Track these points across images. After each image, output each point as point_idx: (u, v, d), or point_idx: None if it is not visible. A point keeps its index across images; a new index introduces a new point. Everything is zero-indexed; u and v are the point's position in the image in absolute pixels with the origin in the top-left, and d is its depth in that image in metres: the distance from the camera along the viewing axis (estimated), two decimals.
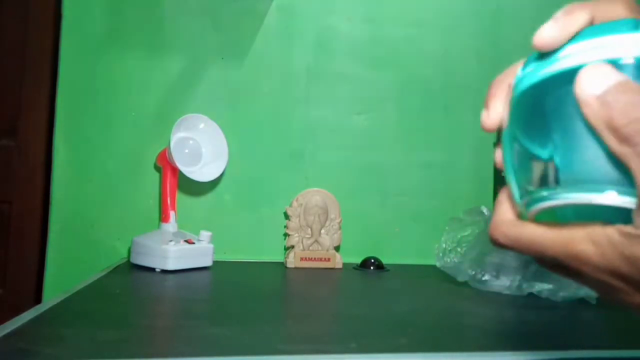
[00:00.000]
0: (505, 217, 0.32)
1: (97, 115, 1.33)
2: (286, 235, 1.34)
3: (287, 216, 1.35)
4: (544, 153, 0.29)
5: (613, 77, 0.25)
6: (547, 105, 0.29)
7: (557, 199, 0.28)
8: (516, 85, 0.32)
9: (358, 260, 1.34)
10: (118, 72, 1.35)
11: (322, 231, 1.33)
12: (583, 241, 0.28)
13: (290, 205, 1.34)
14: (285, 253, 1.35)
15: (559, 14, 0.30)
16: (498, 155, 0.35)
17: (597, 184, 0.26)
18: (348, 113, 1.47)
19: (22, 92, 1.38)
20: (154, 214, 1.34)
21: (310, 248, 1.31)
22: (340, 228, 1.34)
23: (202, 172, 1.28)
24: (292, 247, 1.32)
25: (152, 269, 1.13)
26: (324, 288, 1.13)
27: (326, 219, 1.33)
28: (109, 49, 1.34)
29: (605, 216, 0.27)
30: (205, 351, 0.59)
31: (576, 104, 0.26)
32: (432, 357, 0.60)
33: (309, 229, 1.32)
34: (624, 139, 0.24)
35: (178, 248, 1.13)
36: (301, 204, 1.33)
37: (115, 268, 1.16)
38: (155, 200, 1.34)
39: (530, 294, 0.98)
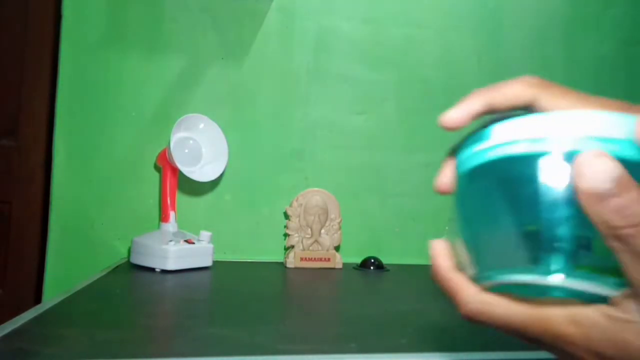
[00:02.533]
0: (470, 291, 0.32)
1: (97, 115, 1.33)
2: (286, 235, 1.34)
3: (287, 216, 1.35)
4: (489, 229, 0.30)
5: (611, 171, 0.25)
6: (495, 184, 0.30)
7: (506, 278, 0.28)
8: (457, 168, 0.34)
9: (358, 260, 1.34)
10: (118, 72, 1.34)
11: (322, 231, 1.33)
12: (564, 322, 0.27)
13: (290, 205, 1.34)
14: (285, 253, 1.35)
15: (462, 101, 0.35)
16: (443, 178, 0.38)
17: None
18: (348, 113, 1.47)
19: (22, 92, 1.38)
20: (154, 214, 1.34)
21: (310, 248, 1.31)
22: (340, 228, 1.34)
23: (202, 172, 1.28)
24: (292, 247, 1.32)
25: (152, 269, 1.13)
26: (324, 288, 1.13)
27: (326, 219, 1.33)
28: (109, 49, 1.34)
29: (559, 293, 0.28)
30: (205, 351, 0.59)
31: (528, 183, 0.27)
32: (432, 357, 0.60)
33: (309, 229, 1.32)
34: (618, 238, 0.24)
35: (178, 248, 1.13)
36: (301, 204, 1.33)
37: (115, 268, 1.16)
38: (155, 200, 1.34)
39: None
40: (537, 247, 0.27)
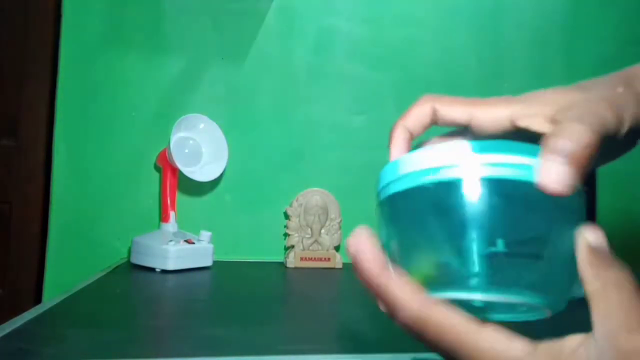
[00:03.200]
0: (413, 295, 0.29)
1: (97, 115, 1.33)
2: (286, 235, 1.34)
3: (287, 216, 1.34)
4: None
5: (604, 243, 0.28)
6: (411, 210, 0.32)
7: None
8: (381, 191, 0.35)
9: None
10: (118, 72, 1.34)
11: (322, 231, 1.33)
12: None
13: (290, 205, 1.34)
14: (285, 253, 1.35)
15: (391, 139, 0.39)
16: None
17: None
18: (348, 113, 1.46)
19: (22, 92, 1.38)
20: (154, 214, 1.33)
21: (311, 248, 1.31)
22: (340, 228, 1.34)
23: (202, 172, 1.28)
24: (292, 247, 1.32)
25: (152, 269, 1.12)
26: (324, 288, 1.13)
27: (326, 219, 1.33)
28: (109, 49, 1.34)
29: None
30: (206, 351, 0.59)
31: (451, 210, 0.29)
32: (432, 358, 0.60)
33: (309, 229, 1.32)
34: (592, 293, 0.27)
35: (178, 248, 1.13)
36: (301, 204, 1.33)
37: (115, 268, 1.16)
38: (155, 200, 1.34)
39: None
40: (454, 268, 0.29)
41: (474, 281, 0.28)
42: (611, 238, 0.29)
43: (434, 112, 0.38)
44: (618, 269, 0.27)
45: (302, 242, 1.31)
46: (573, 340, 0.27)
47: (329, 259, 1.30)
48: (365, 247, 0.30)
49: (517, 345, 0.27)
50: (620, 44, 1.63)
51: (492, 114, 0.36)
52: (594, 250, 0.28)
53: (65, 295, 0.84)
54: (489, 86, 1.52)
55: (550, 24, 1.58)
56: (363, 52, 1.48)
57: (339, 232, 1.33)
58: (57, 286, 1.28)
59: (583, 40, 1.61)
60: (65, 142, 1.32)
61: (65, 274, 1.29)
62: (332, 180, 1.41)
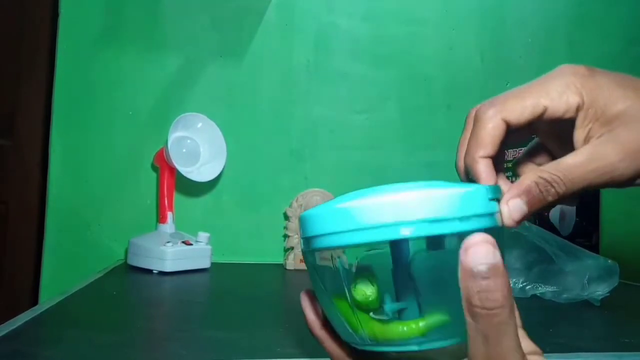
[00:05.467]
0: (339, 356, 0.38)
1: (94, 114, 1.32)
2: (286, 236, 1.33)
3: (286, 217, 1.34)
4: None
5: (490, 258, 0.27)
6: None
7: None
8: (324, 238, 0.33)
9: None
10: (115, 71, 1.33)
11: None
12: None
13: (290, 206, 1.33)
14: (284, 255, 1.34)
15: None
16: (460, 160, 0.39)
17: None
18: (349, 112, 1.46)
19: (19, 91, 1.37)
20: (151, 214, 1.33)
21: None
22: None
23: (200, 172, 1.27)
24: (292, 248, 1.31)
25: (150, 271, 1.12)
26: None
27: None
28: (106, 48, 1.33)
29: None
30: (203, 354, 0.59)
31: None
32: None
33: None
34: (472, 314, 0.28)
35: (175, 249, 1.12)
36: (301, 205, 1.32)
37: (112, 269, 1.15)
38: (152, 201, 1.33)
39: (534, 296, 0.97)
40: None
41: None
42: (615, 237, 0.29)
43: (506, 124, 0.37)
44: (491, 303, 0.27)
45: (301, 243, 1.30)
46: None
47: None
48: (307, 310, 0.39)
49: None
50: (624, 43, 1.63)
51: (565, 102, 0.35)
52: (466, 273, 0.28)
53: (61, 297, 0.84)
54: (491, 85, 1.52)
55: (554, 22, 1.58)
56: (364, 50, 1.47)
57: None
58: (53, 287, 1.27)
59: (587, 39, 1.61)
60: (62, 141, 1.31)
61: (61, 275, 1.28)
62: (333, 181, 1.40)
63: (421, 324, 0.30)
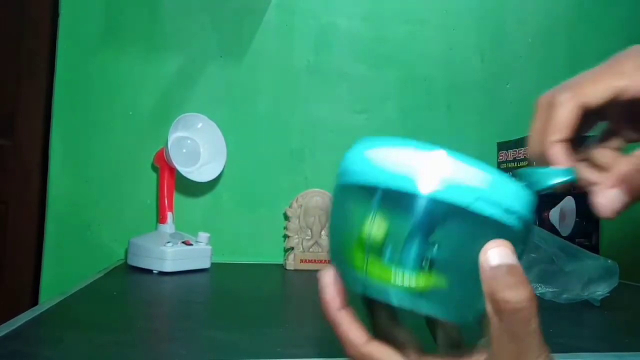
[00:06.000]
0: (356, 340, 0.35)
1: (94, 114, 1.32)
2: (286, 236, 1.33)
3: (286, 217, 1.33)
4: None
5: (509, 257, 0.28)
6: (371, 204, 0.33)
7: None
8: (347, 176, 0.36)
9: None
10: (115, 71, 1.33)
11: (323, 233, 1.31)
12: None
13: (290, 206, 1.33)
14: (284, 255, 1.34)
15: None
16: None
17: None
18: (349, 112, 1.46)
19: (19, 91, 1.37)
20: (151, 214, 1.32)
21: (311, 250, 1.30)
22: None
23: (200, 172, 1.27)
24: (292, 248, 1.30)
25: (150, 271, 1.11)
26: None
27: (326, 220, 1.32)
28: (107, 48, 1.33)
29: None
30: (204, 354, 0.59)
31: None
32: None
33: (309, 231, 1.31)
34: (496, 312, 0.28)
35: (175, 249, 1.12)
36: (301, 205, 1.32)
37: (112, 269, 1.15)
38: (152, 201, 1.33)
39: None
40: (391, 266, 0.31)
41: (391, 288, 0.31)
42: (615, 237, 0.30)
43: (582, 107, 0.36)
44: (517, 297, 0.28)
45: (302, 243, 1.30)
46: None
47: (329, 261, 1.29)
48: (329, 287, 0.35)
49: None
50: (624, 42, 1.62)
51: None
52: (492, 271, 0.28)
53: (61, 297, 0.83)
54: (492, 85, 1.52)
55: (554, 23, 1.58)
56: (364, 50, 1.47)
57: None
58: (53, 287, 1.27)
59: (587, 38, 1.60)
60: (62, 141, 1.31)
61: (62, 275, 1.28)
62: (333, 181, 1.39)
63: (419, 279, 0.30)
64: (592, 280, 0.89)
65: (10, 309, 1.28)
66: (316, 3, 1.45)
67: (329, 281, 0.35)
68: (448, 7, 1.52)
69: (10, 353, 0.55)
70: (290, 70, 1.43)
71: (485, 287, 0.28)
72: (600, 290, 0.88)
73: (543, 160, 0.37)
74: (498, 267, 0.28)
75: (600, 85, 0.36)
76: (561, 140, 0.36)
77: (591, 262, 0.90)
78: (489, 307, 0.28)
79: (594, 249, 1.20)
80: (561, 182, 0.35)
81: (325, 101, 1.44)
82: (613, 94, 0.35)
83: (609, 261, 0.89)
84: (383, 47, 1.48)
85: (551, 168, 0.35)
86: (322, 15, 1.45)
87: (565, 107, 0.36)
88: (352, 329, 0.34)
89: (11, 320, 0.67)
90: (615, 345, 0.70)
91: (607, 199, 0.33)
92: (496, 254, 0.28)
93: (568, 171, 0.35)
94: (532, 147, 0.39)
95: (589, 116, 0.37)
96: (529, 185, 0.34)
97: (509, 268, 0.28)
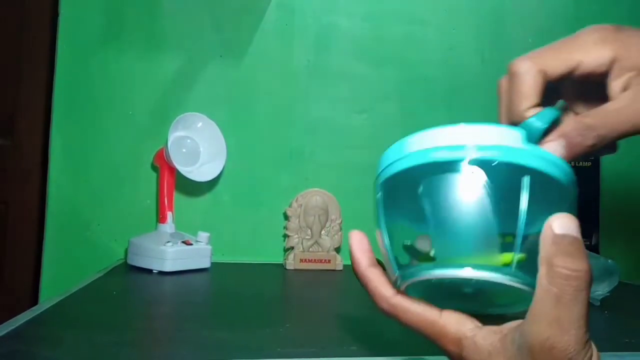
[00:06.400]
0: (385, 292, 0.36)
1: (94, 114, 1.32)
2: (286, 236, 1.33)
3: (286, 217, 1.33)
4: (414, 232, 0.35)
5: (574, 230, 0.29)
6: (420, 188, 0.33)
7: (422, 274, 0.33)
8: (385, 169, 0.36)
9: None
10: (115, 71, 1.33)
11: (323, 232, 1.31)
12: (451, 341, 0.34)
13: (290, 206, 1.33)
14: (284, 254, 1.34)
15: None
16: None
17: (458, 260, 0.31)
18: (349, 112, 1.45)
19: (19, 91, 1.37)
20: (151, 214, 1.32)
21: (311, 249, 1.30)
22: (341, 229, 1.33)
23: (200, 171, 1.27)
24: (292, 248, 1.30)
25: (150, 271, 1.11)
26: (324, 290, 1.12)
27: (326, 220, 1.32)
28: (106, 47, 1.33)
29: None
30: (204, 354, 0.59)
31: (449, 191, 0.32)
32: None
33: (309, 230, 1.31)
34: (549, 275, 0.29)
35: (175, 249, 1.12)
36: (301, 205, 1.32)
37: (112, 269, 1.15)
38: (152, 201, 1.33)
39: None
40: (449, 244, 0.32)
41: (462, 259, 0.31)
42: (615, 237, 0.30)
43: (544, 76, 0.37)
44: (574, 265, 0.29)
45: (301, 243, 1.30)
46: (508, 326, 0.32)
47: (329, 261, 1.29)
48: (360, 243, 0.38)
49: (468, 324, 0.33)
50: None
51: (596, 59, 0.36)
52: (556, 238, 0.29)
53: (61, 297, 0.83)
54: (492, 85, 1.51)
55: (554, 23, 1.58)
56: (364, 50, 1.47)
57: (339, 233, 1.32)
58: (53, 287, 1.27)
59: None
60: (62, 141, 1.30)
61: (61, 275, 1.28)
62: (333, 181, 1.40)
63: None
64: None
65: (9, 308, 1.28)
66: (316, 3, 1.45)
67: (358, 240, 0.38)
68: (448, 7, 1.52)
69: (9, 353, 0.55)
70: (290, 70, 1.43)
71: (543, 251, 0.29)
72: (600, 290, 0.88)
73: None
74: (563, 235, 0.29)
75: (560, 56, 0.37)
76: (533, 107, 0.37)
77: (591, 262, 0.89)
78: (542, 271, 0.29)
79: (594, 249, 1.20)
80: (557, 117, 0.36)
81: (325, 101, 1.44)
82: (571, 66, 0.37)
83: (609, 261, 0.89)
84: (383, 47, 1.48)
85: (539, 113, 0.36)
86: (322, 15, 1.45)
87: (529, 74, 0.37)
88: (382, 284, 0.36)
89: (11, 320, 0.67)
90: (615, 345, 0.70)
91: (548, 149, 0.34)
92: (563, 224, 0.29)
93: (553, 109, 0.36)
94: (502, 123, 0.40)
95: (547, 91, 0.38)
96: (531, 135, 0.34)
97: (573, 239, 0.29)
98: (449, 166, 0.31)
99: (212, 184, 1.35)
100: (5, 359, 0.53)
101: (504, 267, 0.31)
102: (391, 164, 0.35)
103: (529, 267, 0.30)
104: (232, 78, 1.39)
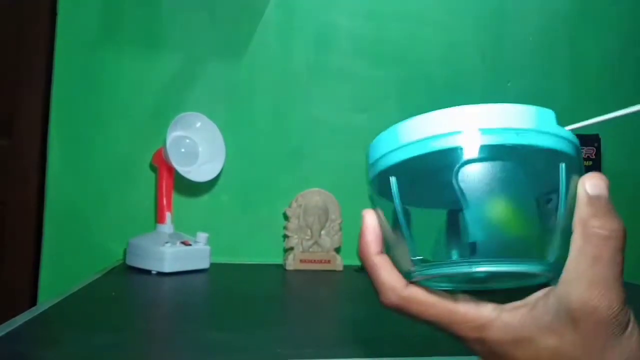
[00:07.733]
0: (393, 284, 0.34)
1: (93, 114, 1.32)
2: (285, 236, 1.33)
3: (286, 217, 1.33)
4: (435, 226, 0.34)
5: (605, 189, 0.29)
6: (435, 178, 0.32)
7: (464, 269, 0.31)
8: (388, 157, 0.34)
9: (359, 262, 1.32)
10: (114, 70, 1.33)
11: (322, 232, 1.31)
12: (467, 328, 0.32)
13: (290, 206, 1.33)
14: (284, 255, 1.34)
15: None
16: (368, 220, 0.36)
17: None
18: (349, 111, 1.45)
19: (17, 90, 1.36)
20: (150, 215, 1.32)
21: (310, 250, 1.30)
22: (340, 229, 1.32)
23: (198, 172, 1.27)
24: (292, 248, 1.30)
25: (148, 271, 1.11)
26: (324, 291, 1.12)
27: (326, 220, 1.32)
28: (105, 47, 1.33)
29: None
30: (203, 355, 0.59)
31: (462, 179, 0.30)
32: None
33: (309, 230, 1.31)
34: (586, 235, 0.28)
35: (174, 250, 1.12)
36: (301, 205, 1.31)
37: (110, 270, 1.15)
38: (151, 201, 1.32)
39: None
40: (459, 238, 0.31)
41: (474, 254, 0.30)
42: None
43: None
44: (612, 226, 0.28)
45: (301, 243, 1.30)
46: (535, 296, 0.31)
47: (329, 261, 1.29)
48: (373, 225, 0.35)
49: (488, 306, 0.32)
50: (625, 41, 1.63)
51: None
52: (591, 199, 0.29)
53: (60, 298, 0.83)
54: (492, 84, 1.51)
55: (555, 21, 1.58)
56: (364, 49, 1.47)
57: (339, 233, 1.32)
58: (52, 288, 1.26)
59: (588, 37, 1.60)
60: (60, 141, 1.30)
61: (60, 275, 1.28)
62: (333, 181, 1.39)
63: None
64: None
65: (8, 309, 1.27)
66: (316, 2, 1.44)
67: (371, 221, 0.35)
68: (449, 7, 1.52)
69: (8, 353, 0.55)
70: (290, 69, 1.43)
71: (579, 211, 0.29)
72: None
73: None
74: (598, 196, 0.29)
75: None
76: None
77: None
78: (577, 232, 0.29)
79: None
80: None
81: (326, 100, 1.44)
82: None
83: None
84: (384, 46, 1.48)
85: None
86: (322, 14, 1.45)
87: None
88: (393, 273, 0.34)
89: (9, 321, 0.67)
90: None
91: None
92: (596, 184, 0.29)
93: None
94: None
95: None
96: None
97: (607, 200, 0.29)
98: (490, 153, 0.30)
99: (211, 184, 1.35)
100: None
101: (544, 260, 0.30)
102: (421, 143, 0.32)
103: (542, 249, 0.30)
104: (231, 77, 1.39)
